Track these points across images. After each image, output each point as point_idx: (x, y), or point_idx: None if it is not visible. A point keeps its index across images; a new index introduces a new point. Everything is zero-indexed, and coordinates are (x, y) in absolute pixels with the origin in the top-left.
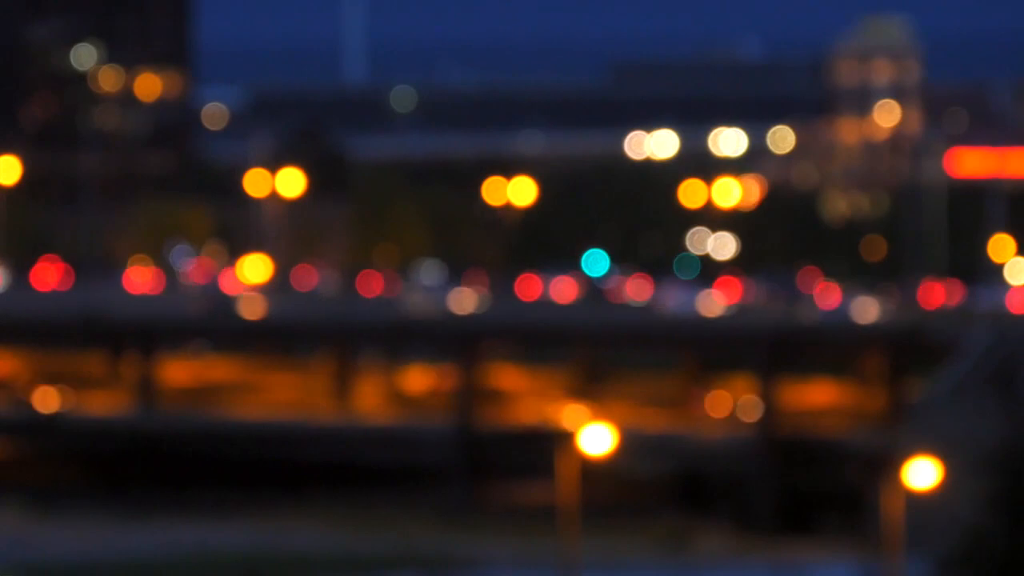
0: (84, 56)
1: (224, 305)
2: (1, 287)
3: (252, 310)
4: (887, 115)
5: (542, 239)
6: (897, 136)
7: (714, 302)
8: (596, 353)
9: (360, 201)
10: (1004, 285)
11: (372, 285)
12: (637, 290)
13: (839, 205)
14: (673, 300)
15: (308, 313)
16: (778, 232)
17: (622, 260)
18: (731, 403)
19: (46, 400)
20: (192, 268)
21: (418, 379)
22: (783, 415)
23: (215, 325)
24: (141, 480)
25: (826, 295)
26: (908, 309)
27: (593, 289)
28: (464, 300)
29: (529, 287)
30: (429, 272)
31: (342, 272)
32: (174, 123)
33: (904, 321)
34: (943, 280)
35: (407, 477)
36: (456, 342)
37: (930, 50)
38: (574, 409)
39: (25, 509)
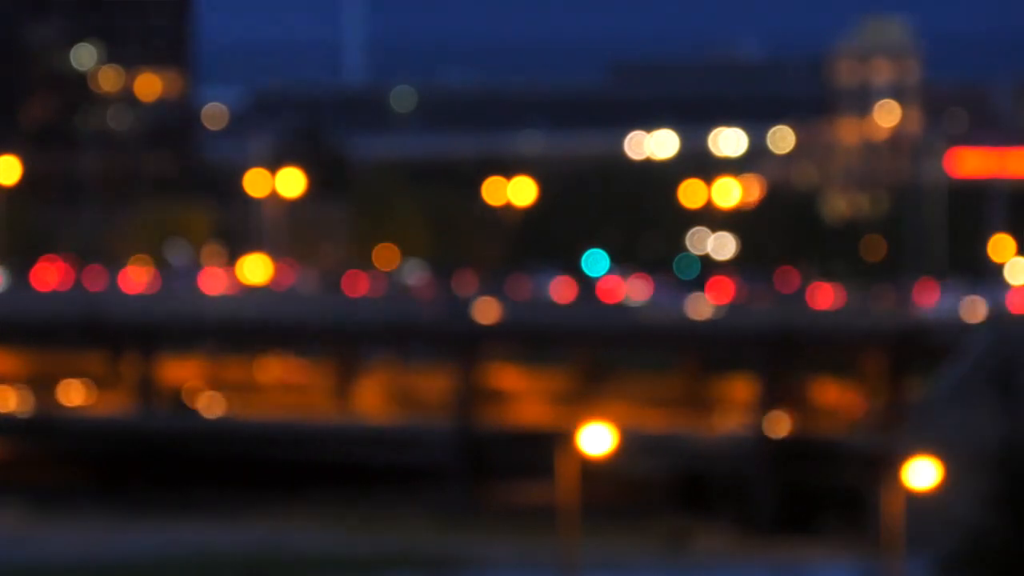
0: (84, 56)
1: (459, 308)
2: (1, 287)
3: (486, 314)
4: (887, 115)
5: (542, 239)
6: (897, 136)
7: (973, 307)
8: (596, 353)
9: (360, 201)
10: (1004, 285)
11: (358, 285)
12: (635, 289)
13: (839, 205)
14: (936, 304)
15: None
16: (778, 232)
17: (622, 260)
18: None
19: (212, 406)
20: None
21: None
22: (782, 415)
23: (448, 329)
24: (141, 480)
25: (817, 294)
26: (907, 309)
27: (588, 289)
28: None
29: (523, 287)
30: (413, 271)
31: (330, 272)
32: (174, 123)
33: (904, 321)
34: (942, 280)
35: (407, 477)
36: (456, 342)
37: (930, 50)
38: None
39: (25, 509)
